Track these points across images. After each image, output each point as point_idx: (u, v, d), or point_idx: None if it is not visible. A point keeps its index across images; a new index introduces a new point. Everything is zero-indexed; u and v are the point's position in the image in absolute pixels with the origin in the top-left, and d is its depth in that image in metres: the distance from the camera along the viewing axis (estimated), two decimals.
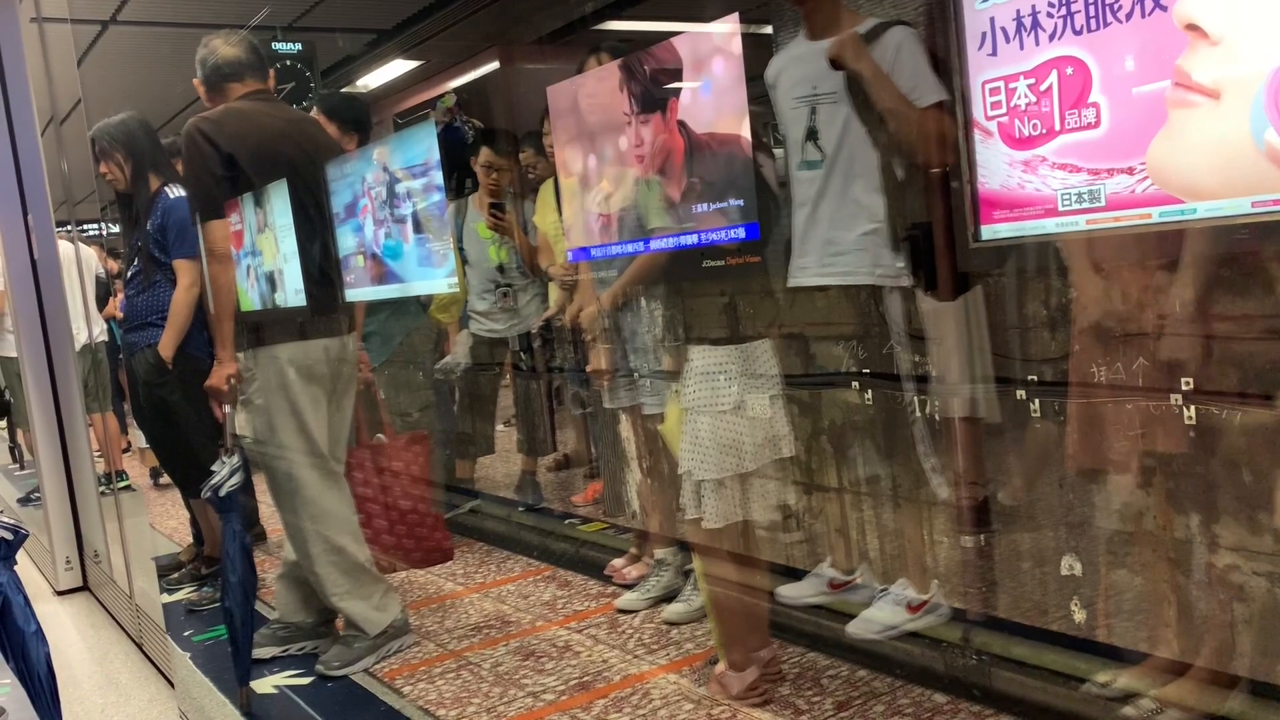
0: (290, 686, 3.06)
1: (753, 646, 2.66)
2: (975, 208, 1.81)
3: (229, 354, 3.07)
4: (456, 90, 6.44)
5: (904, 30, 2.44)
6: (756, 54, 2.42)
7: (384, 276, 3.03)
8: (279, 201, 3.06)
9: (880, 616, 2.73)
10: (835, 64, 2.43)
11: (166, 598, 4.00)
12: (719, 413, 2.50)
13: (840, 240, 2.56)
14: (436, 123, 5.99)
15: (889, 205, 2.51)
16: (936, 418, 2.61)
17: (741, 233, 2.15)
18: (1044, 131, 1.66)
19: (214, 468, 2.91)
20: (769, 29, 3.02)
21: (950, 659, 2.53)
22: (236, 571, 2.84)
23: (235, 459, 2.94)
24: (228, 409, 3.13)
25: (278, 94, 4.63)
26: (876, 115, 2.46)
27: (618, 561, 3.68)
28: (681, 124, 2.22)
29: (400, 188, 2.86)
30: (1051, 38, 1.62)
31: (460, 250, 4.31)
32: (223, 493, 2.89)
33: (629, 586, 3.48)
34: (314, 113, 3.87)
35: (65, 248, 5.03)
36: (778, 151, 2.83)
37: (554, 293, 4.18)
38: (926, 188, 2.49)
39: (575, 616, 3.37)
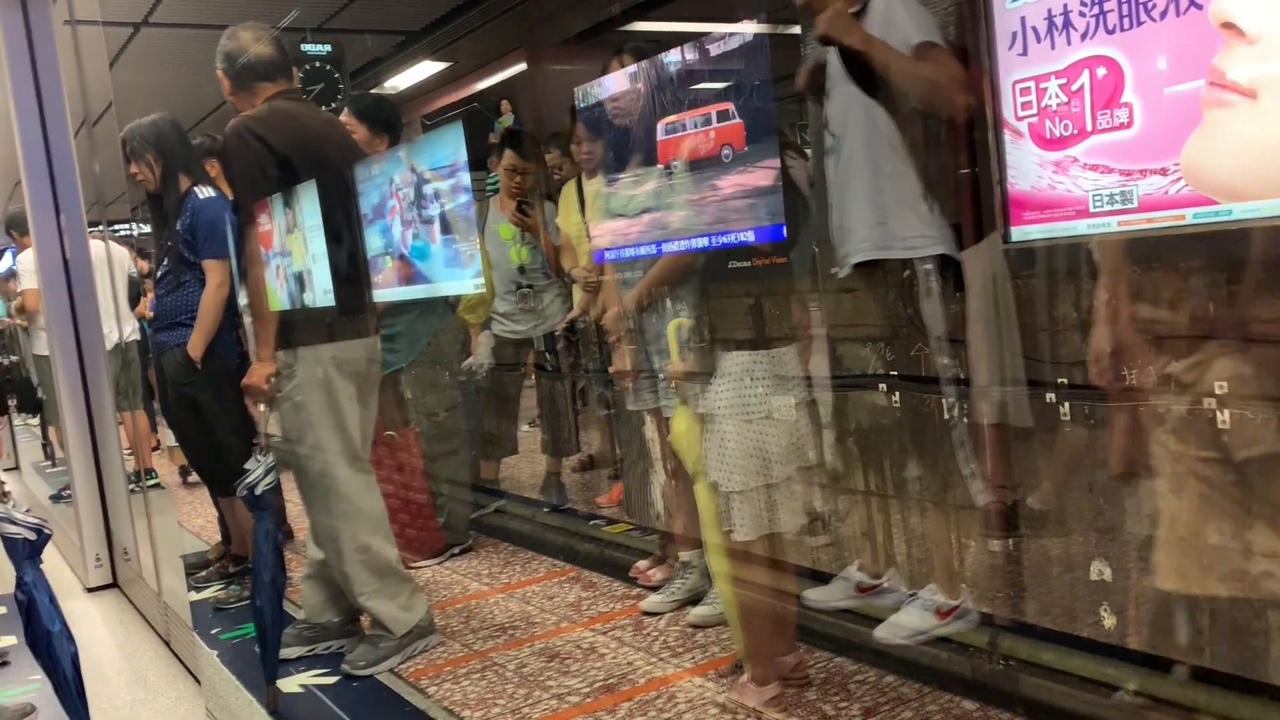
0: (316, 685, 3.07)
1: (778, 653, 2.64)
2: (1005, 209, 1.79)
3: (270, 353, 3.08)
4: (483, 92, 6.46)
5: None
6: (783, 54, 2.40)
7: (411, 277, 3.04)
8: (308, 202, 3.07)
9: (909, 621, 2.70)
10: (826, 40, 2.41)
11: (194, 595, 4.02)
12: (746, 421, 2.47)
13: (866, 215, 2.54)
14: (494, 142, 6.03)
15: (913, 168, 2.49)
16: (966, 421, 2.59)
17: (769, 234, 2.13)
18: (1075, 132, 1.64)
19: (248, 466, 2.92)
20: (796, 29, 3.01)
21: (978, 665, 2.51)
22: (269, 569, 2.85)
23: (270, 457, 2.96)
24: (262, 407, 3.15)
25: (305, 95, 4.65)
26: (877, 84, 2.44)
27: (642, 563, 3.67)
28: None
29: (428, 188, 2.87)
30: (1084, 37, 1.60)
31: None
32: (258, 491, 2.91)
33: (654, 588, 3.47)
34: (344, 114, 3.89)
35: (98, 247, 5.08)
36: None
37: (578, 294, 4.19)
38: (950, 138, 2.47)
39: (600, 618, 3.36)
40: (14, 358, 5.96)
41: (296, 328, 3.14)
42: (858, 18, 2.43)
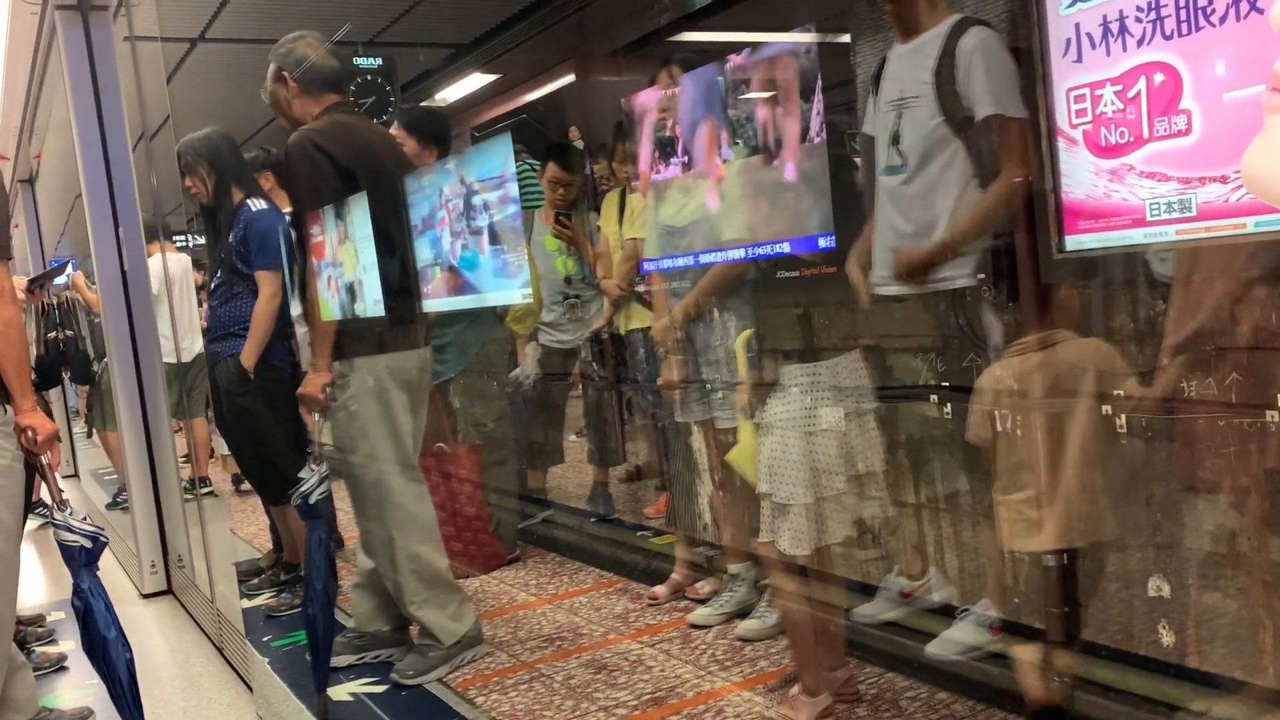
0: (365, 694, 3.09)
1: (828, 666, 2.61)
2: (1059, 218, 1.76)
3: (326, 363, 3.11)
4: (533, 104, 6.49)
5: (979, 34, 2.38)
6: (834, 63, 2.39)
7: (460, 287, 3.06)
8: (359, 213, 3.10)
9: (962, 637, 2.66)
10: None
11: (246, 603, 4.07)
12: (804, 434, 2.45)
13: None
14: None
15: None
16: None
17: (820, 243, 2.11)
18: (1132, 139, 1.61)
19: (302, 475, 2.95)
20: (847, 37, 2.99)
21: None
22: (321, 578, 2.88)
23: (324, 467, 2.98)
24: (316, 417, 3.18)
25: (358, 108, 4.71)
26: (967, 119, 2.41)
27: (662, 588, 3.64)
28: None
29: (477, 200, 2.88)
30: (1140, 43, 1.57)
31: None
32: (312, 500, 2.93)
33: (701, 601, 3.45)
34: (394, 127, 3.92)
35: (171, 260, 5.21)
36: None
37: (606, 304, 4.19)
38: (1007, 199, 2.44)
39: (647, 630, 3.35)
40: (69, 332, 6.06)
41: (353, 338, 3.17)
42: (947, 46, 2.40)
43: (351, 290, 3.23)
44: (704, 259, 2.46)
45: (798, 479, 2.44)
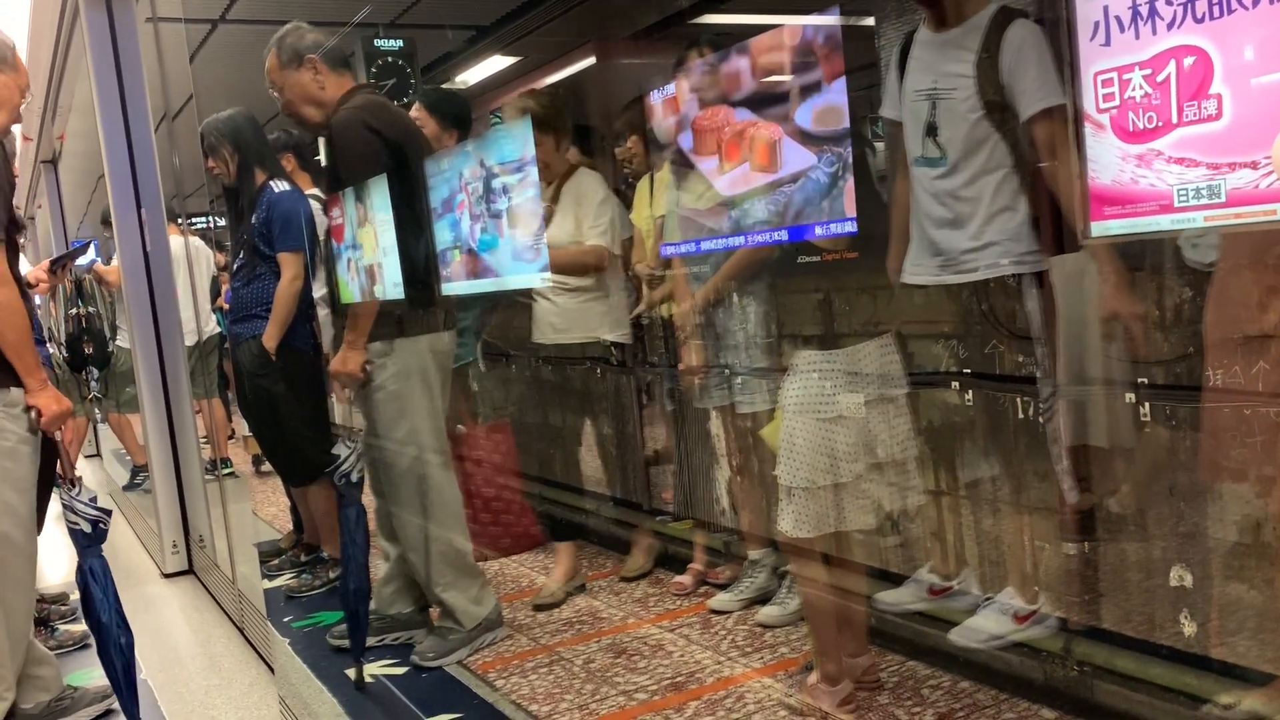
0: (386, 675, 3.10)
1: (849, 653, 2.60)
2: (1085, 203, 1.74)
3: (363, 342, 3.11)
4: (553, 86, 6.47)
5: (1024, 27, 2.35)
6: (858, 46, 2.36)
7: (479, 271, 3.05)
8: (379, 195, 3.10)
9: (986, 625, 2.65)
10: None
11: (267, 583, 4.09)
12: (818, 420, 2.43)
13: (968, 238, 2.49)
14: None
15: (1024, 193, 2.43)
16: (1041, 421, 2.52)
17: (839, 228, 2.09)
18: (1160, 124, 1.58)
19: (337, 451, 2.96)
20: (870, 20, 2.96)
21: (1055, 671, 2.45)
22: (362, 551, 2.90)
23: (359, 444, 2.99)
24: (348, 393, 3.18)
25: (380, 89, 4.70)
26: (1008, 112, 2.38)
27: (683, 578, 3.64)
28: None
29: (496, 183, 2.87)
30: (1170, 26, 1.54)
31: None
32: (354, 478, 2.94)
33: (722, 586, 3.44)
34: (415, 108, 3.91)
35: (183, 244, 5.21)
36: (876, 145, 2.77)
37: (645, 289, 4.16)
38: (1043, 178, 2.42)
39: (667, 615, 3.35)
40: (91, 309, 6.06)
41: (394, 319, 3.16)
42: (988, 35, 2.37)
43: (370, 273, 3.23)
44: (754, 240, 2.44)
45: (803, 463, 2.43)
